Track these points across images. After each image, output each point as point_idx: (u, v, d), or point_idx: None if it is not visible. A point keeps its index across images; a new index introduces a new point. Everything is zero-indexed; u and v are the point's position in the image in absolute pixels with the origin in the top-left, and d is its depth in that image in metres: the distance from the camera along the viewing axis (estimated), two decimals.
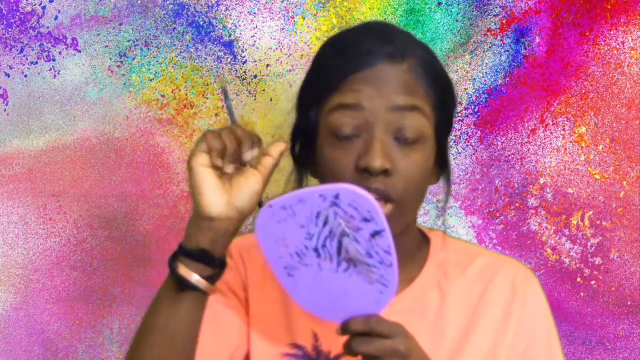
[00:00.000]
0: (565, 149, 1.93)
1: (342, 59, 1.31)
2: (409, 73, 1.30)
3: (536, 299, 1.37)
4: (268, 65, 1.93)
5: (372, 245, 1.17)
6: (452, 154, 1.93)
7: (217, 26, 1.94)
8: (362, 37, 1.33)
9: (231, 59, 1.94)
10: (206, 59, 1.94)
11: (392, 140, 1.28)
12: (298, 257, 1.19)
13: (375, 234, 1.16)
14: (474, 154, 1.94)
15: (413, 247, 1.38)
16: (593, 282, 1.93)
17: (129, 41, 1.94)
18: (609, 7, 1.90)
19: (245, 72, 1.94)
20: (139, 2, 1.93)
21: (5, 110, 1.94)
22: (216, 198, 1.21)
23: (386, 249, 1.17)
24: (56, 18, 1.93)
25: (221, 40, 1.94)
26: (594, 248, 1.92)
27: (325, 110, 1.31)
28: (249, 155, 1.22)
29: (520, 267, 1.40)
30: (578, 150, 1.92)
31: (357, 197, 1.15)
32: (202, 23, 1.93)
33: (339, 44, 1.36)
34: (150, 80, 1.94)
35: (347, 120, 1.28)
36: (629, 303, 1.92)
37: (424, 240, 1.42)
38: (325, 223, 1.16)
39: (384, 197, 1.27)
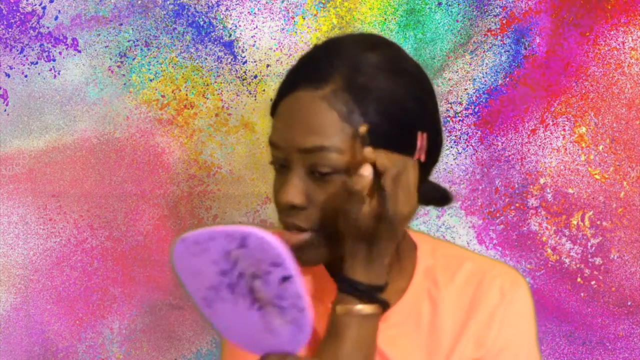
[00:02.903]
0: (565, 149, 1.93)
1: (282, 82, 1.30)
2: (325, 100, 1.23)
3: (523, 301, 1.36)
4: (268, 65, 1.93)
5: (283, 288, 1.13)
6: (452, 154, 1.93)
7: (217, 26, 1.94)
8: (307, 57, 1.29)
9: (231, 59, 1.94)
10: (206, 59, 1.94)
11: (308, 175, 1.25)
12: (214, 290, 1.16)
13: (285, 278, 1.13)
14: (474, 154, 1.94)
15: (401, 256, 1.36)
16: (593, 282, 1.93)
17: (129, 41, 1.94)
18: (609, 7, 1.90)
19: (245, 72, 1.94)
20: (139, 2, 1.93)
21: (5, 110, 1.94)
22: None
23: (297, 293, 1.13)
24: (56, 18, 1.93)
25: (221, 40, 1.94)
26: (594, 248, 1.92)
27: None
28: None
29: (509, 270, 1.38)
30: (578, 150, 1.92)
31: (264, 242, 1.11)
32: (202, 23, 1.93)
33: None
34: (150, 80, 1.94)
35: (274, 155, 1.28)
36: (629, 303, 1.92)
37: (412, 247, 1.39)
38: (235, 263, 1.13)
39: (297, 229, 1.26)
